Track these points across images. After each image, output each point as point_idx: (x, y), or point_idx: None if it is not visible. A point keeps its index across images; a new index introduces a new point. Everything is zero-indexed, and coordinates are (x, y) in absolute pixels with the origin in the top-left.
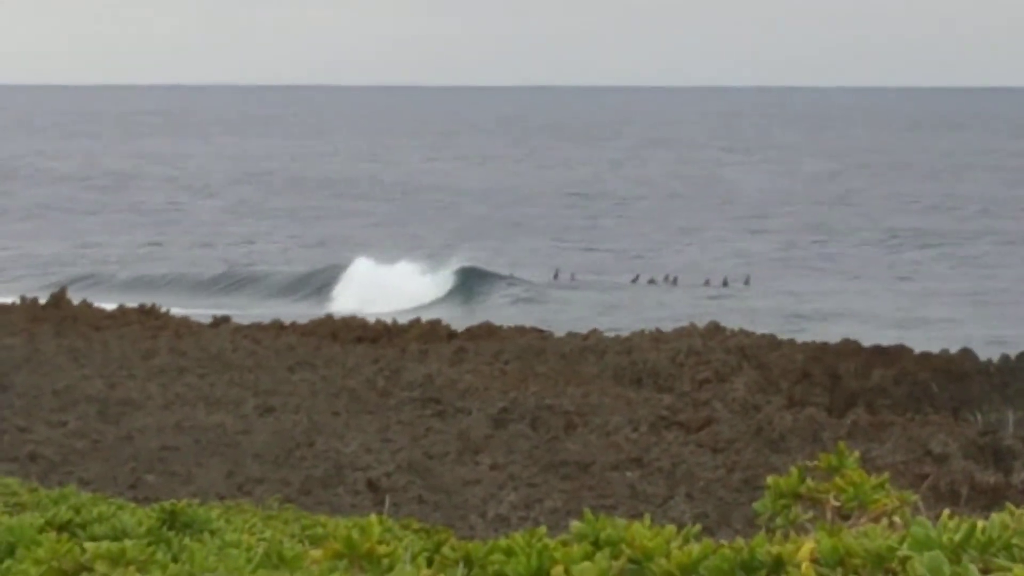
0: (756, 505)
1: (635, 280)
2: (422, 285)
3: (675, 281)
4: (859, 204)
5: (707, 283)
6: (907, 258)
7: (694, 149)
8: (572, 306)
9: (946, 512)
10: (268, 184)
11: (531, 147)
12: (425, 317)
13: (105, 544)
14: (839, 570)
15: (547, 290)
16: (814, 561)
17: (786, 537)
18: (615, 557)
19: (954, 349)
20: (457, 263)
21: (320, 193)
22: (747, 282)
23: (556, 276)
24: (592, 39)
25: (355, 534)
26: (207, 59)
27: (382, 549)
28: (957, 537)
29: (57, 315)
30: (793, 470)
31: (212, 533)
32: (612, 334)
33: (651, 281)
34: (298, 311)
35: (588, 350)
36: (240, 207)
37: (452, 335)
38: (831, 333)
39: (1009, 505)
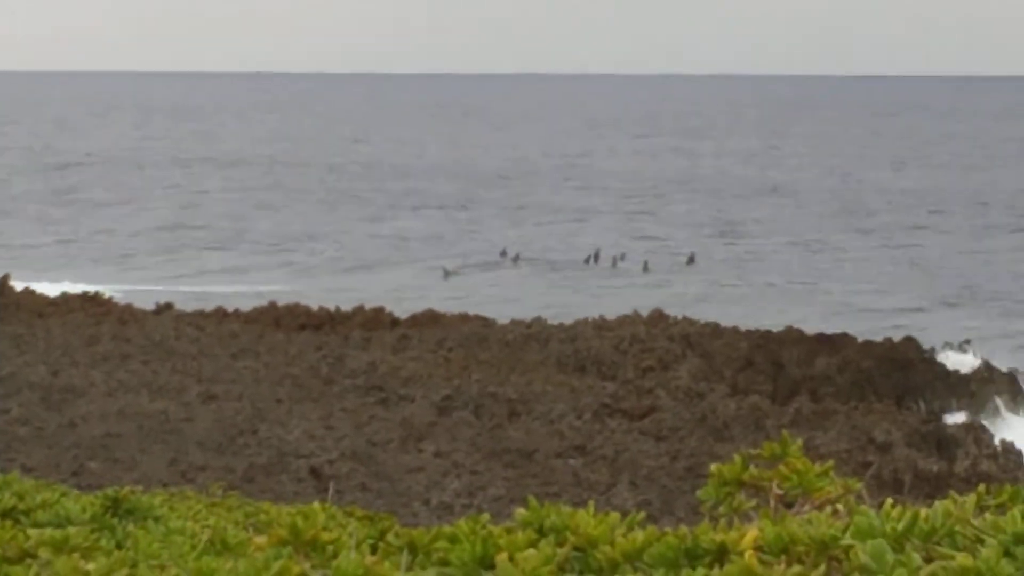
0: (699, 493)
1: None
2: None
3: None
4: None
5: (647, 267)
6: (854, 244)
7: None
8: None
9: (889, 500)
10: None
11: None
12: None
13: (49, 531)
14: (783, 558)
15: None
16: (758, 549)
17: (730, 525)
18: (560, 544)
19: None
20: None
21: None
22: (691, 260)
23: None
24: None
25: (299, 521)
26: None
27: (326, 536)
28: (900, 526)
29: None
30: (736, 458)
31: (156, 520)
32: (556, 322)
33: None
34: None
35: (531, 338)
36: None
37: (395, 322)
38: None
39: (952, 493)
